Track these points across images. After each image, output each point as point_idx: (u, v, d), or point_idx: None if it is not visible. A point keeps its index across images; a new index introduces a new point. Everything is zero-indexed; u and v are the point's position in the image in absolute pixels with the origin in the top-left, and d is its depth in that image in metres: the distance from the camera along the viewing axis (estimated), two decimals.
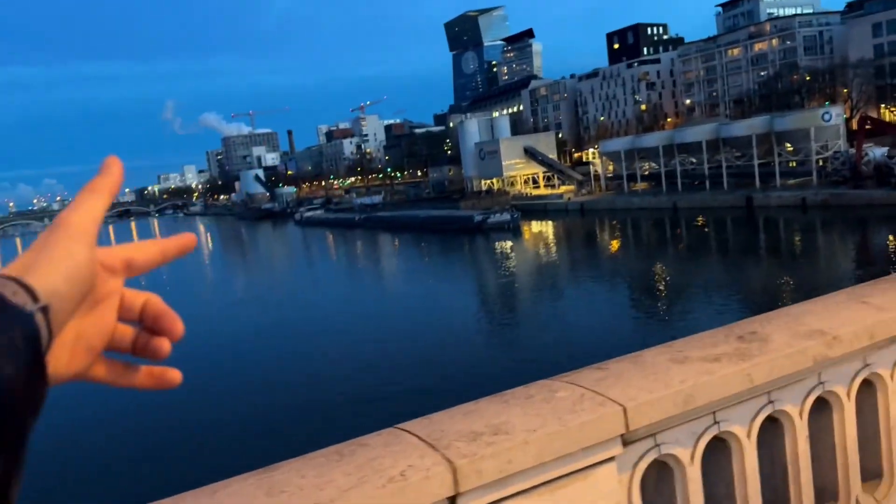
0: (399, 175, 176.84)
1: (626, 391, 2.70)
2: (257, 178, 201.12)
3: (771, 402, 3.02)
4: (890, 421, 3.34)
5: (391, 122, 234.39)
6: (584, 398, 2.66)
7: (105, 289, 0.68)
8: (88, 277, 0.63)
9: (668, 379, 2.76)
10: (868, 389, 3.33)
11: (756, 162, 70.87)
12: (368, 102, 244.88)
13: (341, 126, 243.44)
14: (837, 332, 3.08)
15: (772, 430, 3.09)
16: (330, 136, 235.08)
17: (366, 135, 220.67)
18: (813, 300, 3.49)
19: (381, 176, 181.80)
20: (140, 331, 0.71)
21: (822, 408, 3.22)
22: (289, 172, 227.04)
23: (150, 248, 0.72)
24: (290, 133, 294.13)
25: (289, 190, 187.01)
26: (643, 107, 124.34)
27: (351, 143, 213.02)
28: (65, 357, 0.65)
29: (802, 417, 3.10)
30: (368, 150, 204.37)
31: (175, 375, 0.74)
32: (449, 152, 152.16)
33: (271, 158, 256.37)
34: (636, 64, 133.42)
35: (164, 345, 0.71)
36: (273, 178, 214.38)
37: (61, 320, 0.61)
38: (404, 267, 66.58)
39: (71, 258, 0.62)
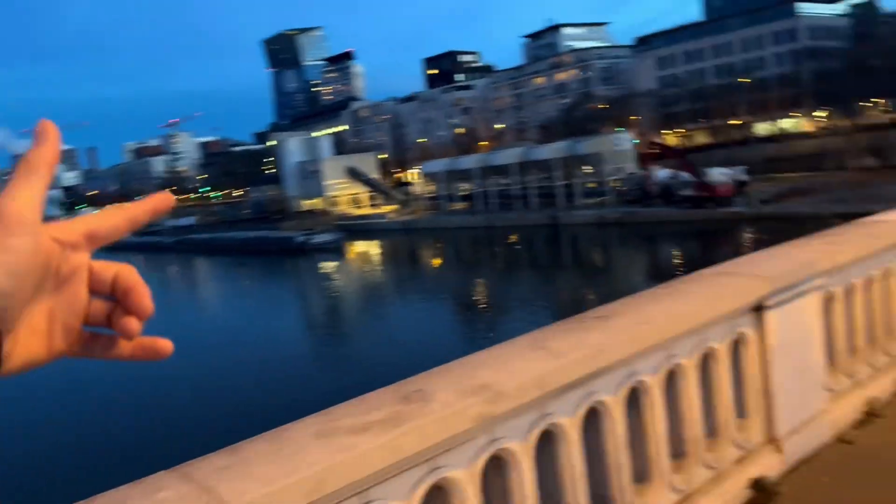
0: (217, 195, 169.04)
1: (242, 484, 2.27)
2: (52, 199, 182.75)
3: (436, 468, 2.75)
4: (574, 474, 3.22)
5: (207, 139, 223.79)
6: (186, 500, 2.19)
7: (68, 266, 0.63)
8: (36, 268, 0.59)
9: (298, 462, 2.37)
10: (549, 439, 3.19)
11: (560, 183, 75.82)
12: (178, 119, 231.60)
13: (151, 143, 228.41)
14: (503, 387, 2.88)
15: (440, 498, 2.82)
16: (138, 153, 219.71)
17: (178, 152, 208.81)
18: (493, 347, 3.30)
19: (195, 196, 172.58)
20: (114, 305, 0.66)
21: (499, 467, 3.02)
22: (91, 193, 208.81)
23: (115, 216, 0.67)
24: (91, 150, 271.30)
25: (90, 211, 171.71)
26: (460, 130, 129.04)
27: (162, 160, 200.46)
28: (42, 342, 0.62)
29: (473, 482, 2.86)
30: (182, 169, 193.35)
31: (166, 346, 0.69)
32: (270, 171, 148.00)
33: (70, 177, 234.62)
34: (451, 90, 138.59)
35: (132, 324, 0.65)
36: (72, 199, 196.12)
37: (12, 316, 0.58)
38: (218, 292, 63.20)
39: (10, 253, 0.56)
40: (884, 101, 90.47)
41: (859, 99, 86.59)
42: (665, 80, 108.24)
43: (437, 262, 68.79)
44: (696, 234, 55.98)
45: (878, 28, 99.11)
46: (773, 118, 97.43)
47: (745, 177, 64.59)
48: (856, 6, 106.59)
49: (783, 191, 60.59)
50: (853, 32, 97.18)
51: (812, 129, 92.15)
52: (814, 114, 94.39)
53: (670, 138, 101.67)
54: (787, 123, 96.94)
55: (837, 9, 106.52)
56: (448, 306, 44.99)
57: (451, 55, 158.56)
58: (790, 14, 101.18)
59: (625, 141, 75.42)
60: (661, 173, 67.03)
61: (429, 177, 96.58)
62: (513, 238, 70.57)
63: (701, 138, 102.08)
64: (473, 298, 46.07)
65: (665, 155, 71.81)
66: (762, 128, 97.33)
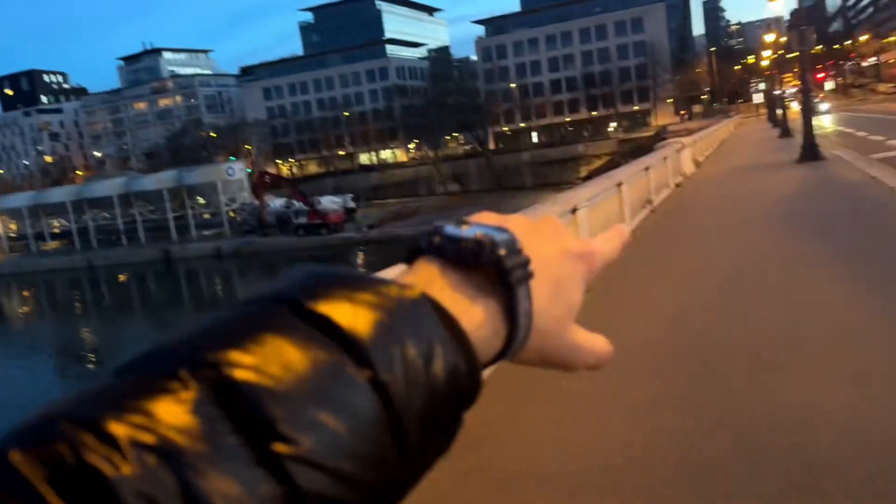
0: None
1: None
2: None
3: None
4: None
5: None
6: None
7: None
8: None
9: None
10: None
11: (171, 215, 71.53)
12: None
13: None
14: None
15: None
16: None
17: None
18: None
19: None
20: None
21: None
22: None
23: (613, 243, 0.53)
24: None
25: None
26: (48, 158, 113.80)
27: None
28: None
29: None
30: None
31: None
32: None
33: None
34: (35, 113, 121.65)
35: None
36: None
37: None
38: None
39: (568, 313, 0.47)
40: (459, 134, 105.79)
41: (441, 132, 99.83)
42: (272, 110, 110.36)
43: (26, 310, 59.79)
44: (312, 259, 58.06)
45: (452, 71, 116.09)
46: (374, 149, 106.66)
47: (352, 204, 69.21)
48: (432, 51, 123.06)
49: (385, 215, 66.60)
50: (432, 74, 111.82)
51: (406, 159, 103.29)
52: (408, 146, 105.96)
53: (284, 168, 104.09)
54: (385, 154, 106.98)
55: (419, 52, 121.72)
56: (45, 361, 39.40)
57: (33, 74, 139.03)
58: (382, 54, 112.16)
59: (238, 170, 74.64)
60: (276, 202, 68.03)
61: (7, 213, 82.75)
62: (122, 277, 64.51)
63: (313, 168, 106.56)
64: (77, 349, 41.21)
65: (277, 184, 73.16)
66: (365, 158, 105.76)
